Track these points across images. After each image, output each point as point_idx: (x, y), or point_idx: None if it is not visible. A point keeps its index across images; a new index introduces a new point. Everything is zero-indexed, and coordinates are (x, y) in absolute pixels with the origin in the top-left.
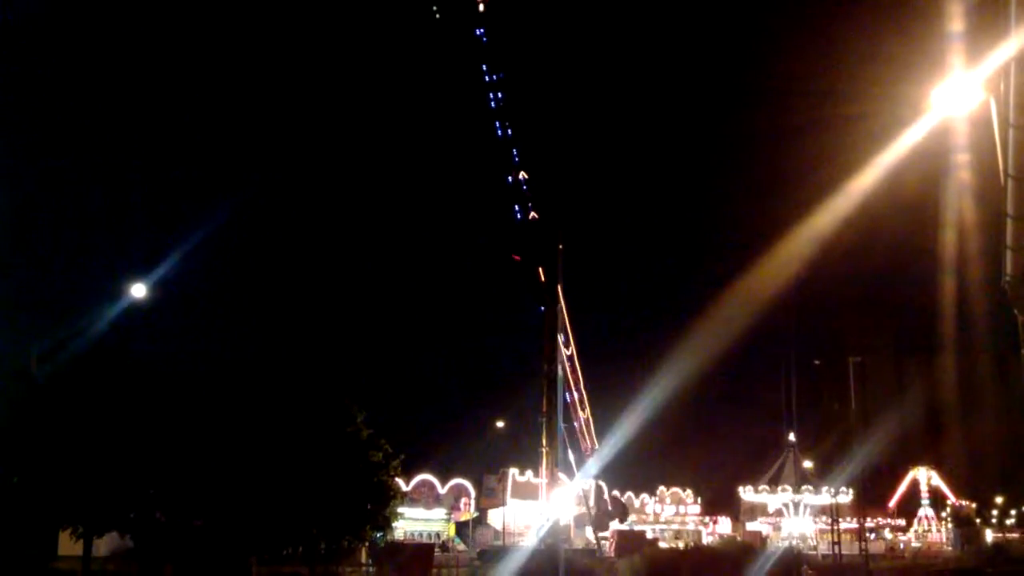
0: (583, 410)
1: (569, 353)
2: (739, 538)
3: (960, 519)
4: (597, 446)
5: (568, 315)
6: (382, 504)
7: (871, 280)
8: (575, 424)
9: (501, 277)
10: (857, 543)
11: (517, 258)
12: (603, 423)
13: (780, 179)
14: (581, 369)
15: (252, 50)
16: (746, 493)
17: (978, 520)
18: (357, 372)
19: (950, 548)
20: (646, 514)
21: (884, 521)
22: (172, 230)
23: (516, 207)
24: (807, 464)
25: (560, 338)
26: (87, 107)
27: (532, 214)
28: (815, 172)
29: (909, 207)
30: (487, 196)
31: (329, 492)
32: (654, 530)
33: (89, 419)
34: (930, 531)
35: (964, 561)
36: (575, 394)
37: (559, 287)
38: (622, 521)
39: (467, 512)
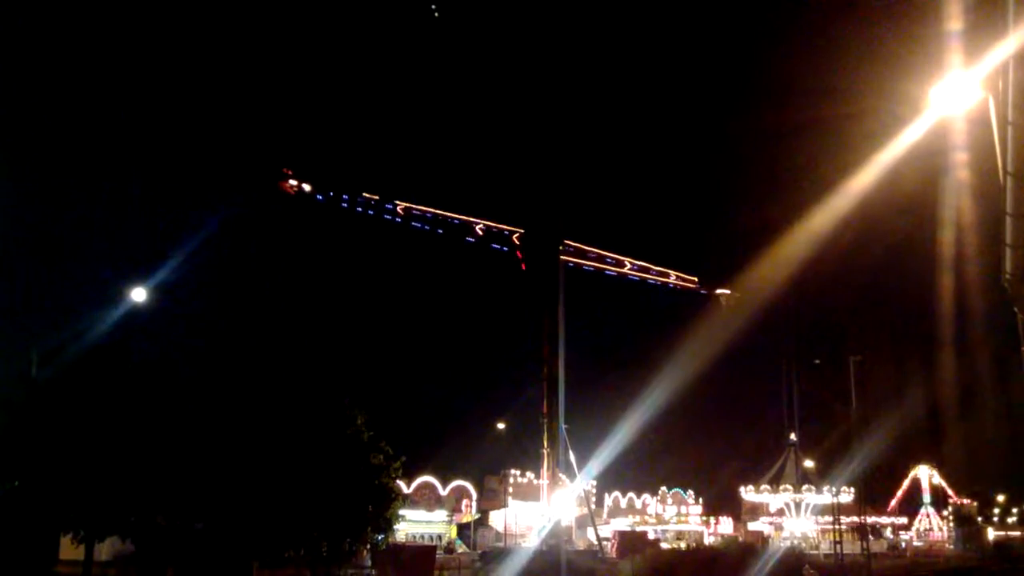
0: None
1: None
2: (741, 538)
3: (962, 517)
4: None
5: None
6: (383, 506)
7: (871, 278)
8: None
9: (502, 279)
10: (859, 542)
11: (523, 266)
12: (605, 424)
13: (779, 178)
14: None
15: (255, 54)
16: (747, 493)
17: (980, 518)
18: (358, 374)
19: (952, 547)
20: (648, 515)
21: (886, 520)
22: (173, 233)
23: (515, 209)
24: (808, 463)
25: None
26: (89, 111)
27: (529, 218)
28: (814, 170)
29: (908, 205)
30: (489, 198)
31: (330, 494)
32: (656, 531)
33: (90, 423)
34: (932, 530)
35: (966, 560)
36: None
37: (560, 289)
38: None
39: (468, 514)
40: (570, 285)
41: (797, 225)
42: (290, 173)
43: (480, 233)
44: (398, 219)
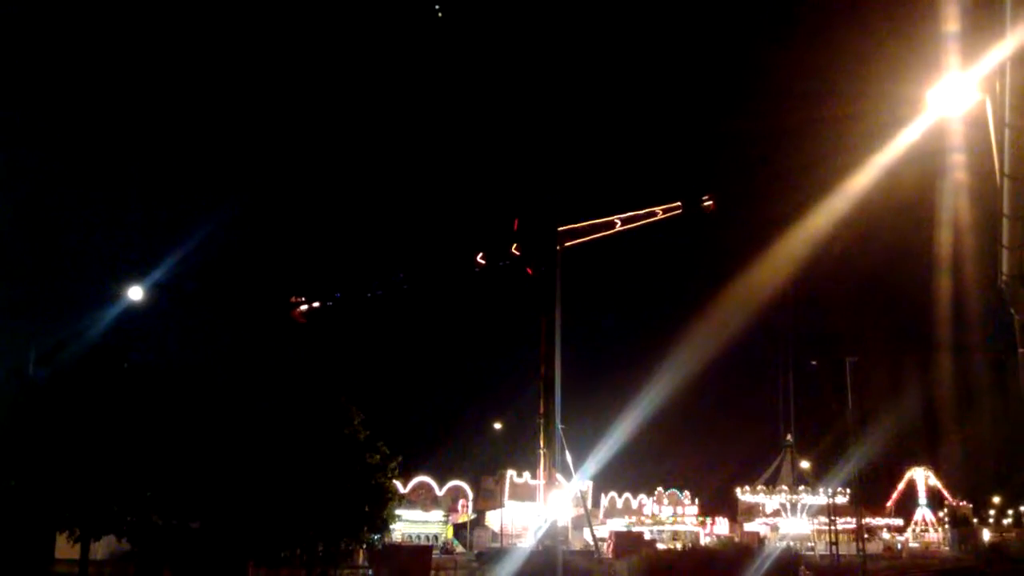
0: None
1: None
2: (737, 539)
3: (957, 519)
4: None
5: None
6: (380, 506)
7: (867, 280)
8: None
9: (499, 279)
10: (855, 543)
11: (530, 271)
12: (600, 424)
13: (776, 179)
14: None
15: (252, 53)
16: (744, 494)
17: (975, 520)
18: (355, 373)
19: (947, 548)
20: (644, 515)
21: (882, 521)
22: (170, 232)
23: (516, 207)
24: (804, 464)
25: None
26: (87, 109)
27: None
28: (811, 172)
29: (905, 207)
30: (488, 197)
31: (326, 494)
32: (652, 531)
33: (86, 422)
34: (927, 531)
35: (961, 561)
36: None
37: (557, 289)
38: None
39: (465, 514)
40: (566, 275)
41: (793, 225)
42: (301, 300)
43: (483, 262)
44: (405, 286)
